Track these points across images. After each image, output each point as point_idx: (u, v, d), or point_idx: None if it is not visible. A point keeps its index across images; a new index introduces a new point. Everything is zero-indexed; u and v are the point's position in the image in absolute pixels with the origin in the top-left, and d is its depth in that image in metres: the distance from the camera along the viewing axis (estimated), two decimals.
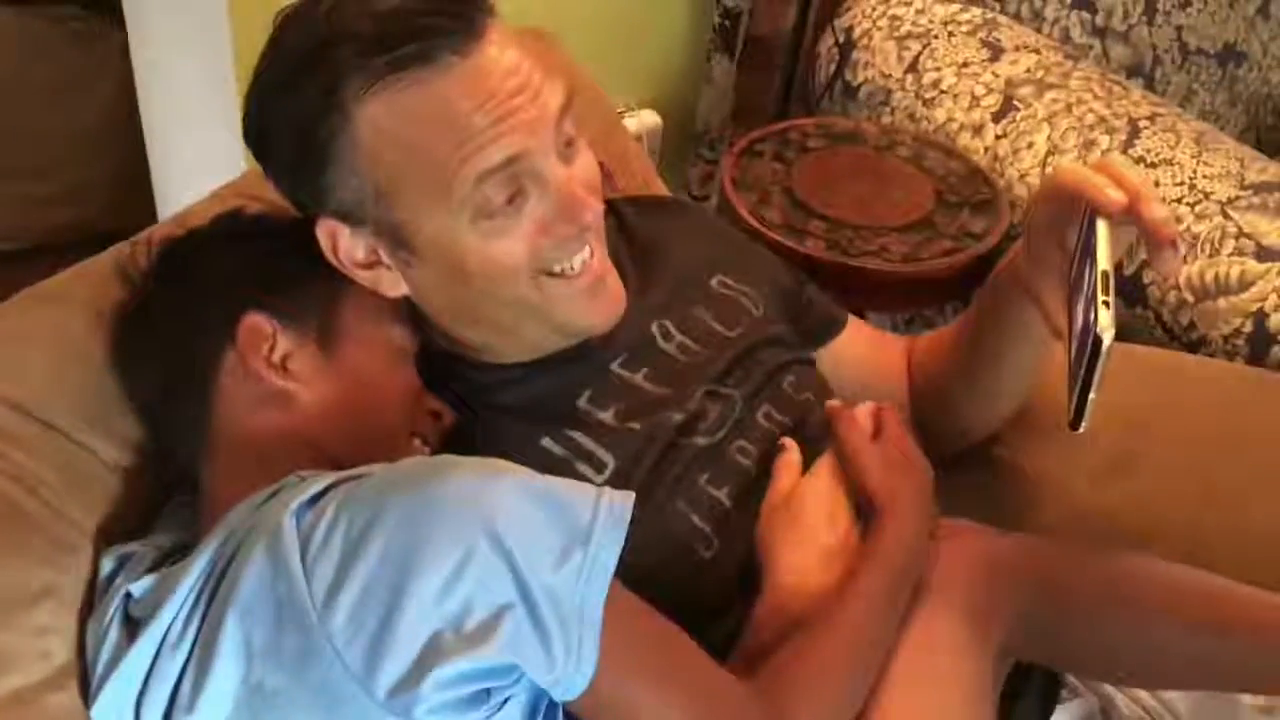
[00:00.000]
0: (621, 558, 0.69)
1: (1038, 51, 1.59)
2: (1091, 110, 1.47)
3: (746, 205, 1.41)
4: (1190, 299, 1.30)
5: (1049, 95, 1.51)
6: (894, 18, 1.67)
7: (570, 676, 0.66)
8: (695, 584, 0.84)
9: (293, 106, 0.78)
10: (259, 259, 0.84)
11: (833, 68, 1.70)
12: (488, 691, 0.67)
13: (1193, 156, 1.38)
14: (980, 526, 0.94)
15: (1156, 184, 1.37)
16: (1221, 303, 1.27)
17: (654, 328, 0.93)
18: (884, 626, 0.81)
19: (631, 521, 0.70)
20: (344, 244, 0.81)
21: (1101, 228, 0.75)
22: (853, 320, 1.10)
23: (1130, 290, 1.34)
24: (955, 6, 1.67)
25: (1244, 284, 1.26)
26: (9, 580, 0.77)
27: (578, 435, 0.87)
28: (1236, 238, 1.29)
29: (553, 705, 0.71)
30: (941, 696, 0.82)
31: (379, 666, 0.64)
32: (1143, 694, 0.92)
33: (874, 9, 1.69)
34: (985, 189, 1.46)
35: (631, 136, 1.46)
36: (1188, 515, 1.02)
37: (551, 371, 0.89)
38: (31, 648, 0.76)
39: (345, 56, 0.75)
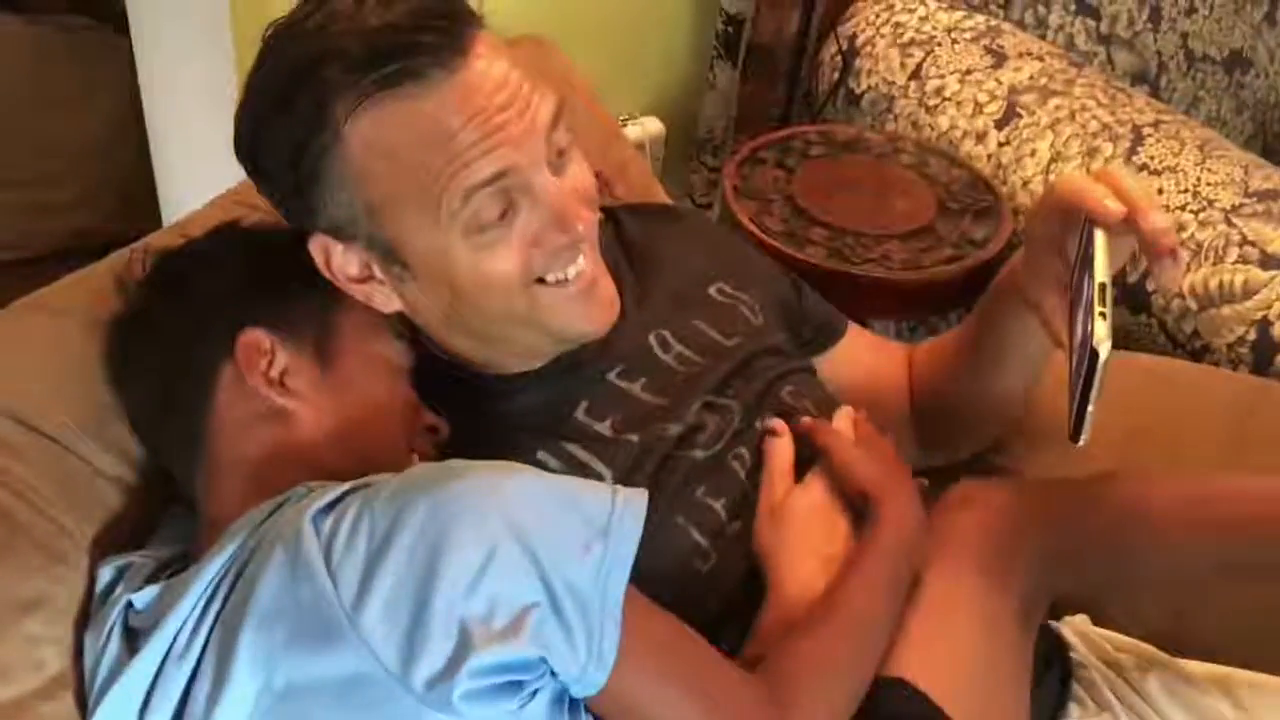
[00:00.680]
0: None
1: (1041, 58, 1.58)
2: (1095, 117, 1.47)
3: (748, 213, 1.40)
4: (1194, 307, 1.29)
5: (1052, 102, 1.50)
6: (897, 25, 1.66)
7: (591, 671, 0.68)
8: (693, 596, 0.83)
9: (282, 125, 0.78)
10: (255, 273, 0.84)
11: (835, 75, 1.70)
12: (520, 682, 0.68)
13: (1197, 164, 1.38)
14: (980, 482, 0.95)
15: (1160, 191, 1.36)
16: (1225, 311, 1.27)
17: (651, 338, 0.93)
18: (886, 612, 0.82)
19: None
20: (337, 260, 0.82)
21: (1100, 238, 0.75)
22: (853, 327, 1.09)
23: (1134, 298, 1.34)
24: (959, 14, 1.67)
25: (1248, 292, 1.26)
26: (1, 590, 0.77)
27: (574, 448, 0.86)
28: (1240, 245, 1.28)
29: (575, 700, 0.72)
30: (962, 651, 0.82)
31: (416, 660, 0.65)
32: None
33: (877, 16, 1.69)
34: (987, 196, 1.46)
35: (631, 144, 1.46)
36: None
37: (548, 383, 0.89)
38: (24, 657, 0.76)
39: (334, 75, 0.75)
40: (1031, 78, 1.55)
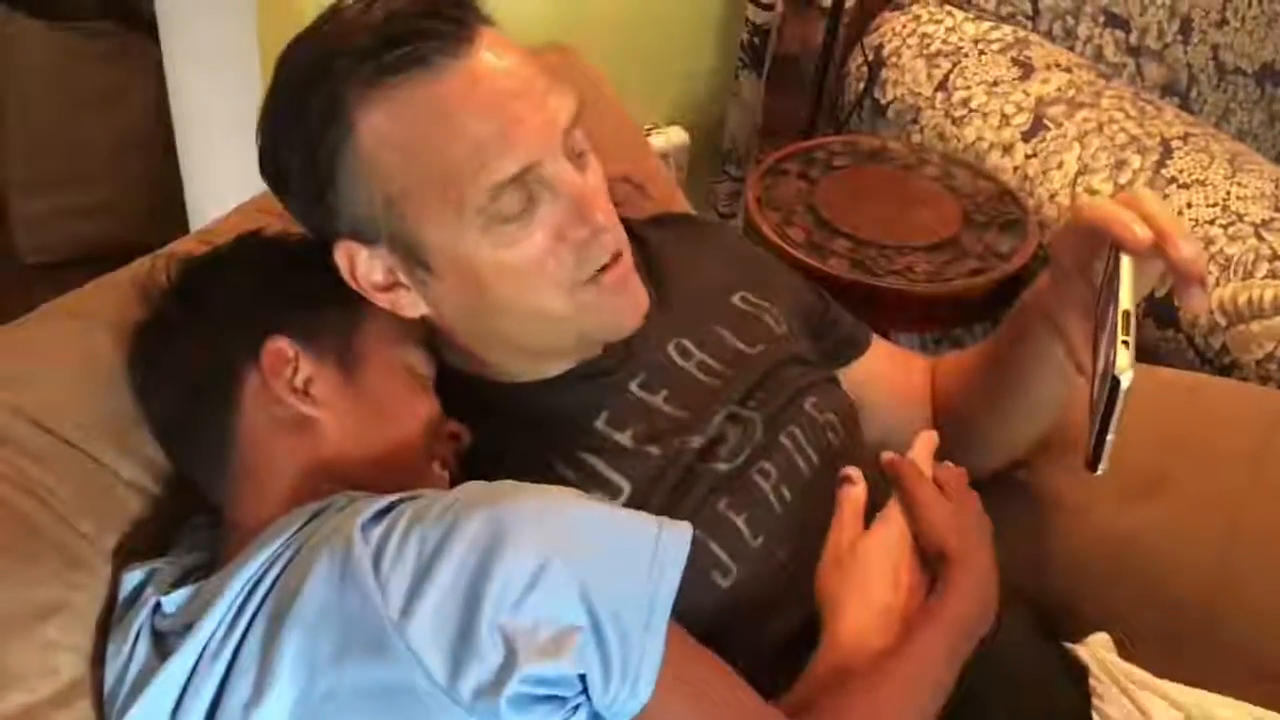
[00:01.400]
0: None
1: (1069, 70, 1.57)
2: (1123, 130, 1.45)
3: (771, 224, 1.40)
4: (1223, 322, 1.28)
5: (1080, 114, 1.49)
6: (924, 36, 1.66)
7: (624, 702, 0.68)
8: (712, 612, 0.83)
9: (297, 126, 0.78)
10: (278, 283, 0.84)
11: (861, 86, 1.69)
12: (561, 698, 0.68)
13: (1226, 177, 1.36)
14: None
15: (1189, 205, 1.35)
16: (1255, 326, 1.25)
17: (671, 347, 0.93)
18: (941, 683, 0.80)
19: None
20: (362, 266, 0.81)
21: (1126, 264, 0.74)
22: (876, 340, 1.09)
23: (1162, 313, 1.32)
24: (986, 25, 1.66)
25: (1277, 307, 1.24)
26: (17, 595, 0.77)
27: (592, 459, 0.86)
28: (1270, 260, 1.27)
29: None
30: None
31: (463, 671, 0.65)
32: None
33: (904, 27, 1.68)
34: (1013, 209, 1.45)
35: (656, 153, 1.46)
36: (1214, 542, 1.00)
37: (570, 391, 0.89)
38: (39, 664, 0.76)
39: (341, 68, 0.76)
40: (1059, 89, 1.54)
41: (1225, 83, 1.90)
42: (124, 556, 0.83)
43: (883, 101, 1.66)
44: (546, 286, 0.81)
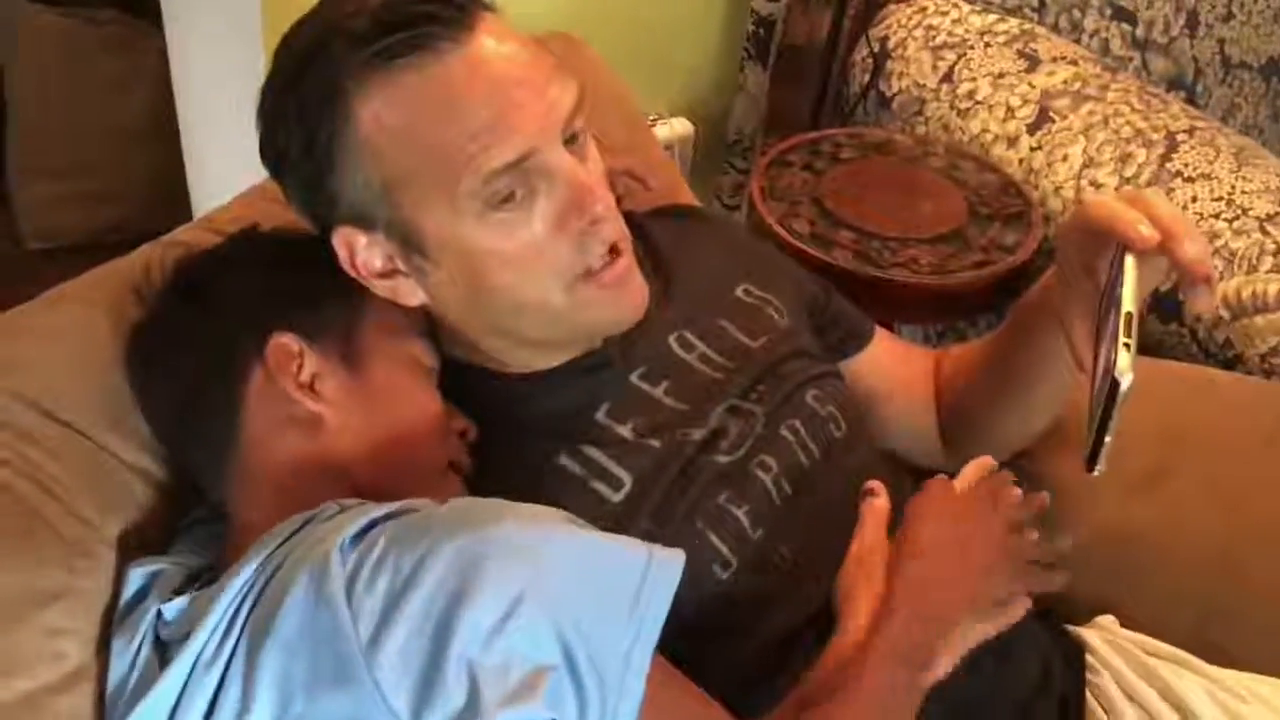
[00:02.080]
0: None
1: (1075, 63, 1.57)
2: (1129, 123, 1.45)
3: (775, 215, 1.40)
4: (1226, 317, 1.27)
5: (1086, 107, 1.49)
6: (929, 27, 1.65)
7: None
8: (712, 604, 0.83)
9: (295, 111, 0.78)
10: (279, 277, 0.84)
11: (867, 77, 1.69)
12: None
13: (1231, 171, 1.36)
14: None
15: (1194, 199, 1.35)
16: (1259, 320, 1.25)
17: (673, 339, 0.92)
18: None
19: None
20: (361, 254, 0.81)
21: (1130, 265, 0.74)
22: (879, 332, 1.09)
23: (1165, 307, 1.32)
24: (992, 17, 1.65)
25: None
26: (20, 580, 0.77)
27: (594, 452, 0.85)
28: (1275, 254, 1.26)
29: None
30: None
31: (427, 709, 0.63)
32: None
33: (909, 19, 1.68)
34: (1018, 201, 1.45)
35: (660, 144, 1.46)
36: (1217, 533, 1.00)
37: (571, 383, 0.88)
38: (43, 649, 0.76)
39: (339, 52, 0.76)
40: (1065, 82, 1.53)
41: (1231, 77, 1.90)
42: (129, 543, 0.83)
43: (888, 93, 1.66)
44: (544, 277, 0.80)
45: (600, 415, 0.87)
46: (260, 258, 0.86)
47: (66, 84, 2.12)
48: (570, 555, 0.68)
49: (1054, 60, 1.57)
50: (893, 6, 1.71)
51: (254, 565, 0.71)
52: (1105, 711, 0.88)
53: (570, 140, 0.79)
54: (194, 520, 0.87)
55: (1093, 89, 1.52)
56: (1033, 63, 1.57)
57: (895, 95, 1.65)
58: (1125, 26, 1.78)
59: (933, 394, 1.07)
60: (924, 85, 1.62)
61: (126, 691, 0.75)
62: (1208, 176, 1.36)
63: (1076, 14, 1.75)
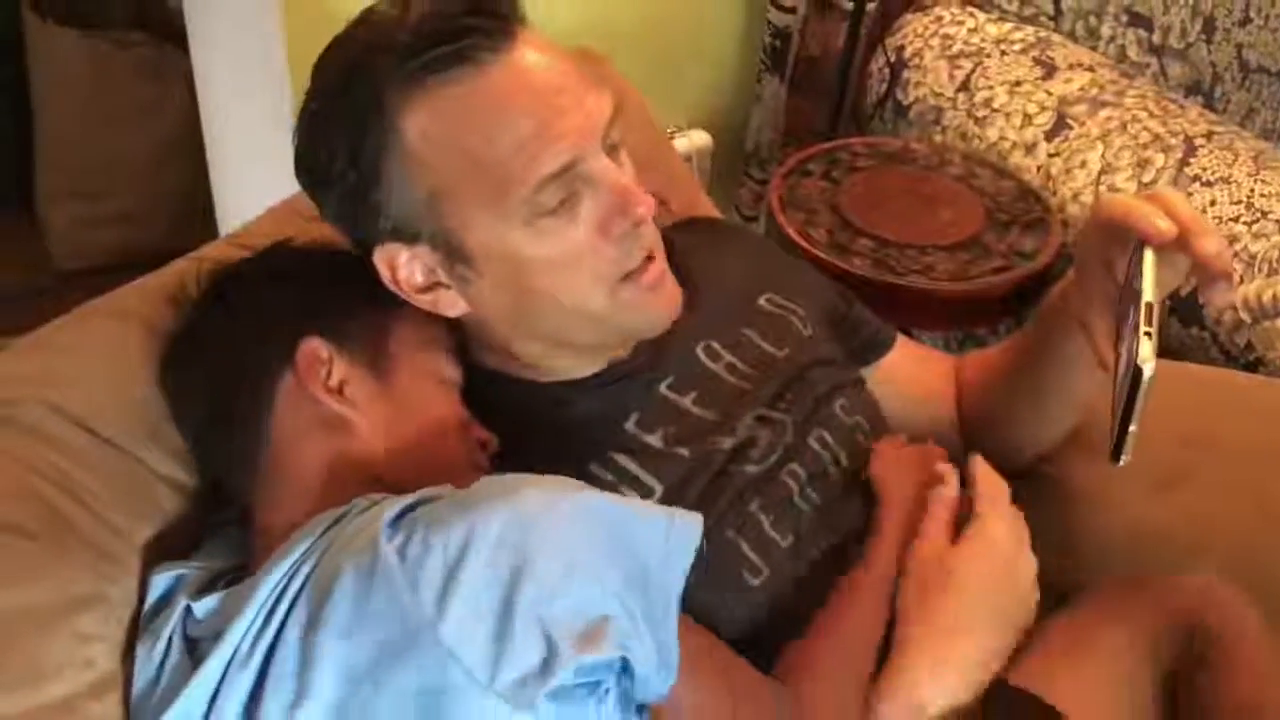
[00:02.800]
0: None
1: (1092, 70, 1.57)
2: (1146, 128, 1.45)
3: (794, 224, 1.40)
4: (1247, 319, 1.27)
5: (1103, 113, 1.49)
6: (945, 37, 1.66)
7: (659, 684, 0.71)
8: (745, 611, 0.84)
9: (338, 128, 0.79)
10: (311, 287, 0.86)
11: (884, 87, 1.70)
12: (596, 682, 0.69)
13: (1250, 175, 1.36)
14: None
15: (1213, 202, 1.35)
16: None
17: (699, 349, 0.93)
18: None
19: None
20: (403, 270, 0.82)
21: (1149, 258, 0.74)
22: (900, 339, 1.09)
23: (1186, 311, 1.32)
24: (1008, 25, 1.66)
25: None
26: (52, 588, 0.78)
27: (624, 459, 0.86)
28: None
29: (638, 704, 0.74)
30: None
31: (502, 664, 0.66)
32: None
33: (925, 28, 1.68)
34: (1036, 208, 1.45)
35: (680, 157, 1.47)
36: (1241, 531, 1.00)
37: (600, 393, 0.89)
38: (75, 656, 0.77)
39: (383, 68, 0.77)
40: (1082, 89, 1.54)
41: (1249, 82, 1.89)
42: (158, 552, 0.84)
43: (905, 102, 1.67)
44: (588, 281, 0.81)
45: (630, 424, 0.88)
46: (293, 269, 0.88)
47: (95, 107, 2.14)
48: (596, 511, 0.72)
49: (1070, 67, 1.58)
50: (909, 16, 1.72)
51: (289, 561, 0.73)
52: None
53: (610, 150, 0.81)
54: (216, 525, 0.88)
55: (1109, 95, 1.52)
56: (1049, 70, 1.58)
57: (912, 104, 1.66)
58: (1142, 32, 1.78)
59: (954, 400, 1.08)
60: (941, 94, 1.62)
61: (157, 693, 0.76)
62: (1226, 180, 1.36)
63: (1093, 21, 1.75)
